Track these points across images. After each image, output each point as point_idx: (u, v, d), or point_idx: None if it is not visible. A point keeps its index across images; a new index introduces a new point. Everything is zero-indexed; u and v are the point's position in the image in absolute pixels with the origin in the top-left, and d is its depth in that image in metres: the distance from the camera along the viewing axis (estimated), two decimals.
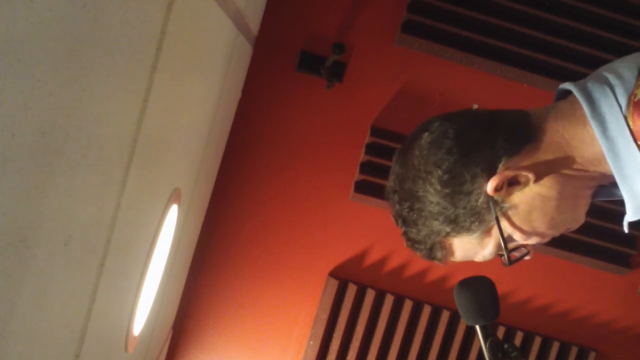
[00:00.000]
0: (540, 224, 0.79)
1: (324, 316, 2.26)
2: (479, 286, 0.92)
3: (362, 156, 2.18)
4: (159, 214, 1.34)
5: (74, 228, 0.78)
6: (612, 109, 0.71)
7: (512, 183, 0.77)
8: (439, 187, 0.79)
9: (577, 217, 0.82)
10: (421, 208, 0.81)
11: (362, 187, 2.18)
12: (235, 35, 1.68)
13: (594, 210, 2.00)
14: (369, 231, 2.26)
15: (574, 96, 0.74)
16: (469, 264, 0.86)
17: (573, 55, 2.12)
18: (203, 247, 2.25)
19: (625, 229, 0.78)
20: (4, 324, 0.64)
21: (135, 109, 0.92)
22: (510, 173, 0.76)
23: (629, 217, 0.75)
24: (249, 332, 2.31)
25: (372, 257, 2.28)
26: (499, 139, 0.77)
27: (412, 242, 0.87)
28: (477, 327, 0.91)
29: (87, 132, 0.72)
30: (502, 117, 0.80)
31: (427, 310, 2.25)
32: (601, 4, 2.09)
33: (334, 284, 2.24)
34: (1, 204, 0.56)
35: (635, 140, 0.69)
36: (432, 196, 0.80)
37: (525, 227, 0.80)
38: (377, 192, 2.17)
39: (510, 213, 0.79)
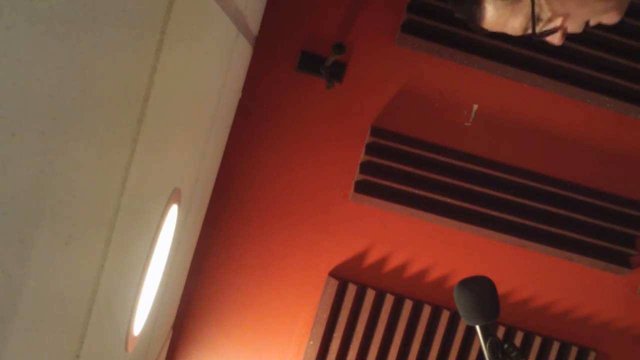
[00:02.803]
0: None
1: (324, 316, 2.26)
2: (479, 286, 0.92)
3: (362, 156, 2.18)
4: (159, 214, 1.34)
5: (74, 228, 0.78)
6: None
7: None
8: None
9: (614, 4, 0.86)
10: None
11: (362, 187, 2.18)
12: (235, 35, 1.68)
13: (594, 210, 2.01)
14: (369, 231, 2.26)
15: None
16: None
17: (574, 55, 2.12)
18: (203, 247, 2.25)
19: None
20: (4, 324, 0.64)
21: (136, 109, 0.92)
22: None
23: None
24: (249, 332, 2.31)
25: (372, 257, 2.28)
26: None
27: (455, 3, 0.99)
28: (477, 327, 0.91)
29: (87, 132, 0.72)
30: None
31: (427, 310, 2.25)
32: None
33: (334, 284, 2.24)
34: (1, 204, 0.56)
35: None
36: None
37: (554, 3, 0.86)
38: (377, 192, 2.17)
39: None
